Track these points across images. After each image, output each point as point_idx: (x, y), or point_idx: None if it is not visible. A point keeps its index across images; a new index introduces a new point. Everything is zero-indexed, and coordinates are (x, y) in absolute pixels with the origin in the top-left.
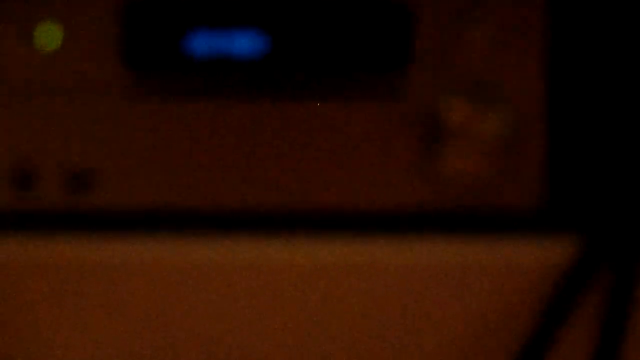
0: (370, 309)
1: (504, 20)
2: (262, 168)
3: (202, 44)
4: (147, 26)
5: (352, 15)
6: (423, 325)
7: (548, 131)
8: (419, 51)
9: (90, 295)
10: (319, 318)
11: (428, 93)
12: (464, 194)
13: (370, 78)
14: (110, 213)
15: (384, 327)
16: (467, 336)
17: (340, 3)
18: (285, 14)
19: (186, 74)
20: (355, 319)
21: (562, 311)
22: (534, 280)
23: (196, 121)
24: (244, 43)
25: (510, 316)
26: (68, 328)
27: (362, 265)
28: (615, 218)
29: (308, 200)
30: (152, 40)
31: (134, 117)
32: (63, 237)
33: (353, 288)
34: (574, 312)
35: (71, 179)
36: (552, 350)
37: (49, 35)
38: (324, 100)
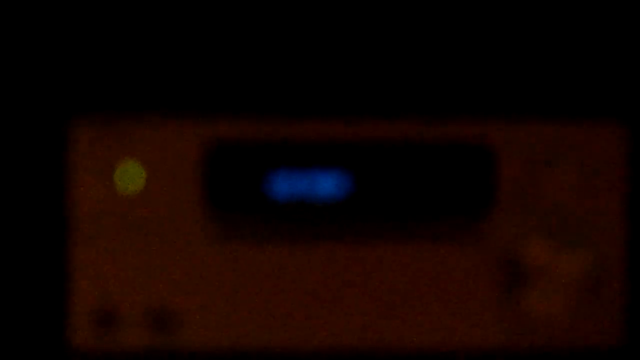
0: None
1: (586, 162)
2: (344, 310)
3: (284, 186)
4: (230, 168)
5: (434, 157)
6: None
7: (630, 270)
8: (501, 193)
9: None
10: None
11: (510, 235)
12: (545, 334)
13: (453, 220)
14: (192, 355)
15: None
16: None
17: (423, 145)
18: (368, 156)
19: (268, 216)
20: None
21: None
22: None
23: (278, 263)
24: (326, 185)
25: None
26: None
27: None
28: None
29: (390, 342)
30: (235, 182)
31: (216, 259)
32: None
33: None
34: None
35: (153, 320)
36: None
37: (131, 176)
38: (405, 243)
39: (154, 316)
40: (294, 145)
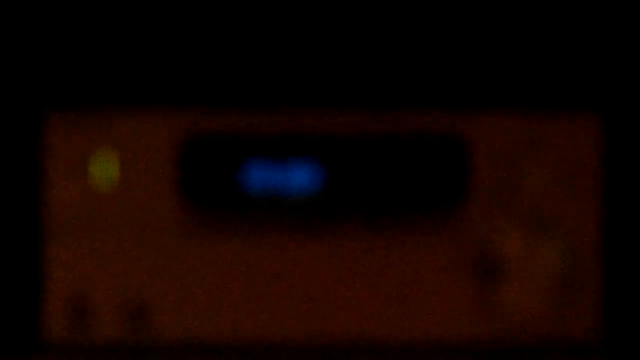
0: None
1: (560, 154)
2: (317, 303)
3: (258, 178)
4: (204, 160)
5: (407, 150)
6: None
7: (604, 266)
8: (475, 186)
9: None
10: None
11: (484, 228)
12: (520, 328)
13: (427, 213)
14: (166, 347)
15: None
16: None
17: (396, 138)
18: (341, 149)
19: (242, 208)
20: None
21: None
22: None
23: (252, 255)
24: (299, 177)
25: None
26: None
27: None
28: None
29: (363, 335)
30: (209, 174)
31: (191, 251)
32: None
33: None
34: None
35: (127, 313)
36: None
37: (105, 169)
38: (378, 236)
39: (128, 308)
40: (267, 137)
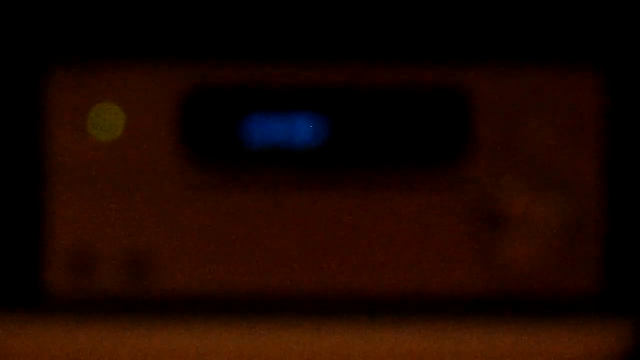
0: None
1: (563, 109)
2: (319, 255)
3: (260, 131)
4: (207, 113)
5: (410, 103)
6: None
7: (606, 218)
8: (478, 140)
9: None
10: None
11: (487, 182)
12: (521, 279)
13: (430, 165)
14: (168, 298)
15: None
16: None
17: (399, 91)
18: (345, 102)
19: (244, 161)
20: None
21: None
22: None
23: (254, 208)
24: (301, 131)
25: None
26: None
27: (418, 350)
28: None
29: (366, 287)
30: (211, 127)
31: (193, 204)
32: (121, 321)
33: None
34: None
35: (129, 264)
36: None
37: (108, 122)
38: (381, 188)
39: (130, 260)
40: (270, 90)
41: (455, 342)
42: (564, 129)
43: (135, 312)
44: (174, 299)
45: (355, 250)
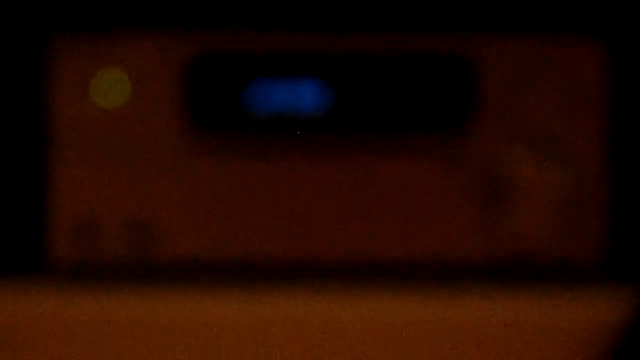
0: None
1: (567, 78)
2: (324, 222)
3: (265, 98)
4: (210, 80)
5: (415, 70)
6: None
7: (609, 186)
8: (483, 107)
9: (153, 349)
10: None
11: (491, 150)
12: (525, 247)
13: (434, 133)
14: (171, 266)
15: None
16: None
17: (404, 57)
18: (349, 68)
19: (248, 128)
20: None
21: None
22: (594, 332)
23: (258, 176)
24: (306, 98)
25: None
26: None
27: (422, 319)
28: None
29: (372, 255)
30: (216, 94)
31: (197, 172)
32: (125, 288)
33: (412, 340)
34: None
35: (132, 232)
36: None
37: (112, 90)
38: (386, 156)
39: (133, 228)
40: (274, 57)
41: (459, 309)
42: (568, 98)
43: (138, 279)
44: (177, 266)
45: (360, 217)
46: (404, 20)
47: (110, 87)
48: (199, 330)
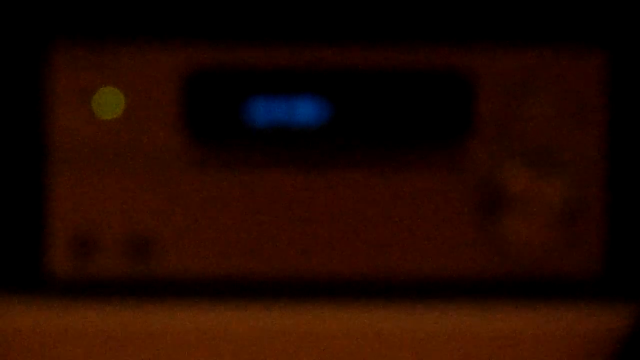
0: None
1: (564, 89)
2: (321, 236)
3: (263, 112)
4: (209, 94)
5: (412, 84)
6: None
7: (607, 200)
8: (479, 120)
9: None
10: None
11: (488, 161)
12: (522, 260)
13: (431, 146)
14: (170, 280)
15: None
16: None
17: (400, 72)
18: (346, 83)
19: (246, 142)
20: None
21: None
22: (591, 346)
23: (256, 189)
24: (303, 112)
25: None
26: None
27: (419, 332)
28: None
29: (367, 267)
30: (214, 109)
31: (195, 185)
32: (123, 303)
33: (412, 355)
34: None
35: (131, 246)
36: None
37: (110, 102)
38: (383, 169)
39: (132, 242)
40: (272, 72)
41: (456, 323)
42: (566, 110)
43: (137, 293)
44: (177, 281)
45: (357, 231)
46: (401, 35)
47: (110, 100)
48: (197, 345)
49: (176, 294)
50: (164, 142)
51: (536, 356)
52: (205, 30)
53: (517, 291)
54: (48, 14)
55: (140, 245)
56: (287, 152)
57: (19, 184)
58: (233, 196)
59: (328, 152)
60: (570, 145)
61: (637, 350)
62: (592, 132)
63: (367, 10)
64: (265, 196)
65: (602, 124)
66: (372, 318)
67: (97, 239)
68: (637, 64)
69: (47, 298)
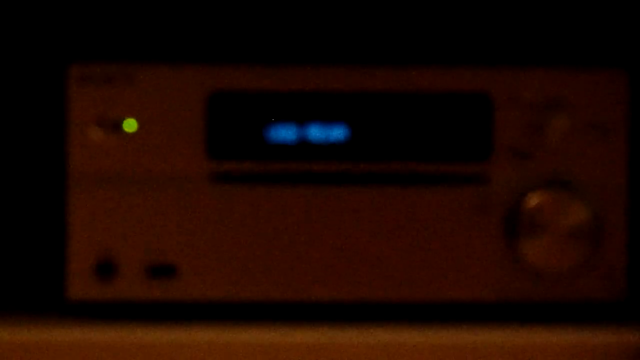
0: None
1: (587, 111)
2: (345, 258)
3: (284, 134)
4: (231, 117)
5: (434, 106)
6: None
7: (629, 221)
8: (501, 142)
9: None
10: None
11: (510, 185)
12: (545, 283)
13: (453, 170)
14: (191, 303)
15: None
16: None
17: (422, 95)
18: (368, 106)
19: (269, 165)
20: None
21: None
22: None
23: (279, 212)
24: (327, 133)
25: None
26: None
27: (442, 355)
28: None
29: (387, 290)
30: (235, 131)
31: (217, 209)
32: (143, 326)
33: None
34: None
35: (152, 270)
36: None
37: (131, 124)
38: (405, 192)
39: (153, 265)
40: (296, 91)
41: (479, 347)
42: (587, 132)
43: (158, 317)
44: (198, 303)
45: (378, 254)
46: (421, 56)
47: (131, 122)
48: None
49: (197, 317)
50: (186, 165)
51: None
52: (228, 50)
53: (540, 314)
54: (67, 37)
55: (161, 268)
56: (310, 173)
57: (41, 207)
58: (255, 218)
59: (351, 174)
60: (592, 167)
61: None
62: (613, 153)
63: (390, 33)
64: (289, 218)
65: (624, 145)
66: (397, 340)
67: (117, 262)
68: None
69: (69, 321)
